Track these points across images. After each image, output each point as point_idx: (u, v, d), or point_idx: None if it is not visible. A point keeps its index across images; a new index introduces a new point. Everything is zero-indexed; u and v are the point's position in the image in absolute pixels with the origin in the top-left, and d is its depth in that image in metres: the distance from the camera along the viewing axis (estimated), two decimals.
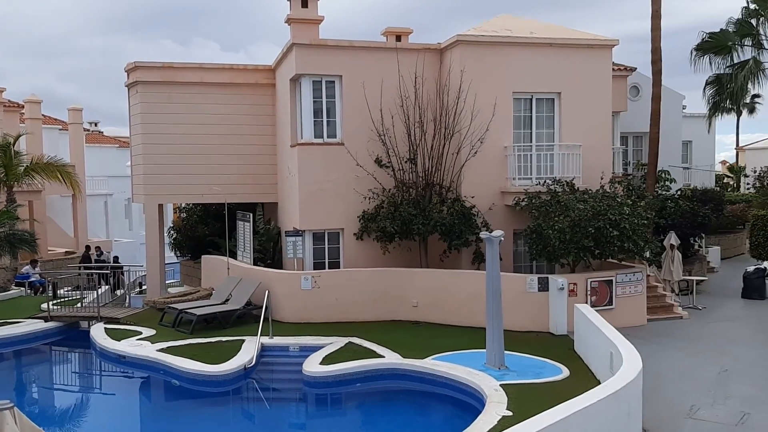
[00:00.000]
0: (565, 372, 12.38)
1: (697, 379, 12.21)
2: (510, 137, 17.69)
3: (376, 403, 12.84)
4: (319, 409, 13.15)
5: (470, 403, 11.37)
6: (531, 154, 17.50)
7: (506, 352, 12.86)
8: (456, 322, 16.13)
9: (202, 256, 21.59)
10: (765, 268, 20.36)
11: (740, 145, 56.68)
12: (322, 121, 17.93)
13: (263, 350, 14.60)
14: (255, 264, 18.87)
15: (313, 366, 13.03)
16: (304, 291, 16.77)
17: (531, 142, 17.81)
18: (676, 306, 17.65)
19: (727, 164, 55.67)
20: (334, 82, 17.87)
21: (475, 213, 17.13)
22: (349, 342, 14.70)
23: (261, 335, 14.88)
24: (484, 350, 12.99)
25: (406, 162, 17.61)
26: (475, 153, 17.12)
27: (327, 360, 13.38)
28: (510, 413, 9.93)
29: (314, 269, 17.77)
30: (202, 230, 23.77)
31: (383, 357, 13.53)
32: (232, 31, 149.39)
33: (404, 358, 13.37)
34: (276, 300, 16.61)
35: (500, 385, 11.43)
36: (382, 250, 17.63)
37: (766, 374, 12.50)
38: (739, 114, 56.98)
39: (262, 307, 15.67)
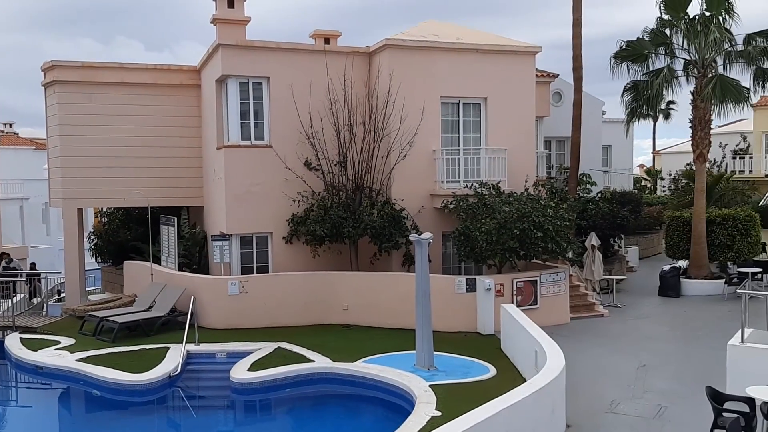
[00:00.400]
0: (493, 371, 12.62)
1: (617, 375, 12.67)
2: (438, 141, 17.92)
3: (306, 408, 12.74)
4: (247, 416, 12.94)
5: (400, 405, 11.42)
6: (459, 158, 17.79)
7: (435, 352, 13.00)
8: (386, 325, 16.20)
9: (125, 262, 20.88)
10: (680, 266, 21.33)
11: (657, 149, 59.34)
12: (250, 123, 17.67)
13: (189, 358, 14.24)
14: (180, 269, 18.40)
15: (240, 372, 12.81)
16: (231, 296, 16.47)
17: (459, 146, 18.10)
18: (598, 304, 18.28)
19: (645, 168, 58.14)
20: (261, 83, 17.65)
21: (404, 215, 17.26)
22: (279, 347, 14.53)
23: (186, 342, 14.51)
24: (414, 352, 13.10)
25: (335, 165, 17.57)
26: (405, 156, 17.25)
27: (255, 366, 13.17)
28: (439, 413, 10.04)
29: (242, 274, 17.49)
30: (125, 235, 22.98)
31: (313, 361, 13.44)
32: (157, 31, 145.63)
33: (334, 361, 13.33)
34: (202, 306, 16.25)
35: (429, 385, 11.55)
36: (312, 254, 17.52)
37: (681, 368, 13.09)
38: (655, 120, 59.67)
39: (187, 313, 15.29)
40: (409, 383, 11.73)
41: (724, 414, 8.61)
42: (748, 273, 19.06)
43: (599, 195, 24.24)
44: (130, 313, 16.50)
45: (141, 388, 12.54)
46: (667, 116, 59.97)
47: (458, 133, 18.26)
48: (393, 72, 17.26)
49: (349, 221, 16.86)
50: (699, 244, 20.84)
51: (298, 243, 17.66)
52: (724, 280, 20.22)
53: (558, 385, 9.57)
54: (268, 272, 17.69)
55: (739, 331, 10.87)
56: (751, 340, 10.77)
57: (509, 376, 12.05)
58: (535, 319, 13.14)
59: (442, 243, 18.07)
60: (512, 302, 15.86)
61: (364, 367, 12.91)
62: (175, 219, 19.01)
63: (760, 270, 20.34)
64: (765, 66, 20.12)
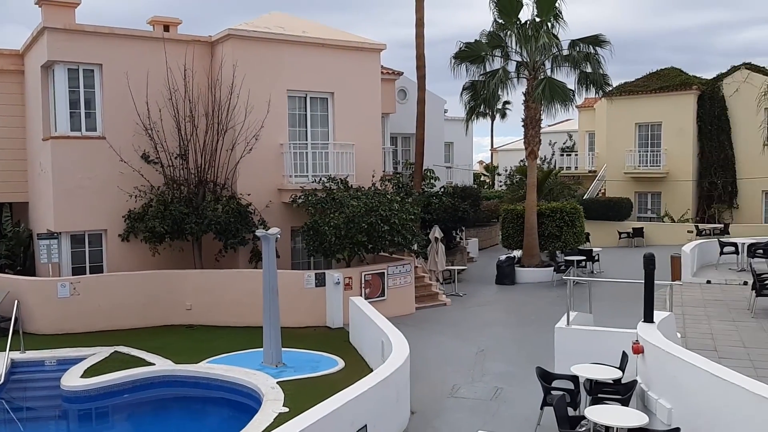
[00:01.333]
0: (341, 364, 12.72)
1: (459, 360, 13.23)
2: (286, 135, 17.72)
3: (147, 413, 12.08)
4: (81, 426, 12.03)
5: (248, 404, 11.18)
6: (307, 152, 17.70)
7: (284, 349, 12.89)
8: (233, 323, 15.78)
9: None
10: (514, 256, 22.72)
11: (494, 146, 62.86)
12: (80, 112, 16.43)
13: (14, 366, 12.99)
14: (2, 271, 16.76)
15: (72, 380, 11.90)
16: (61, 299, 15.24)
17: (306, 140, 18.01)
18: (441, 294, 19.01)
19: (484, 164, 61.31)
20: (93, 70, 16.47)
21: (251, 211, 16.90)
22: (115, 351, 13.67)
23: (10, 350, 13.23)
24: (261, 349, 12.88)
25: (176, 158, 16.81)
26: (250, 150, 16.87)
27: (89, 372, 12.29)
28: (286, 409, 9.96)
29: (73, 275, 16.25)
30: None
31: (153, 364, 12.78)
32: None
33: (177, 363, 12.76)
34: (28, 310, 14.92)
35: (277, 382, 11.43)
36: (151, 252, 16.65)
37: (516, 352, 13.92)
38: (493, 118, 63.20)
39: (10, 319, 13.95)
40: (256, 381, 11.52)
41: (552, 392, 9.25)
42: (573, 261, 20.69)
43: (442, 190, 25.23)
44: None
45: None
46: (503, 115, 63.68)
47: (306, 128, 18.18)
48: (237, 63, 16.82)
49: (191, 217, 16.22)
50: (531, 235, 22.31)
51: (136, 241, 16.71)
52: (553, 268, 21.80)
53: (402, 374, 9.81)
54: (102, 272, 16.58)
55: (565, 315, 11.80)
56: (575, 323, 11.69)
57: (357, 368, 12.19)
58: (383, 311, 13.40)
59: (291, 238, 17.92)
60: (361, 295, 16.07)
61: (208, 368, 12.49)
62: None
63: (584, 258, 22.16)
64: (587, 70, 21.89)
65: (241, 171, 17.09)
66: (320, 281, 15.99)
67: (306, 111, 18.16)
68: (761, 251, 19.36)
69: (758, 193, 31.43)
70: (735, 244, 20.92)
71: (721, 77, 32.54)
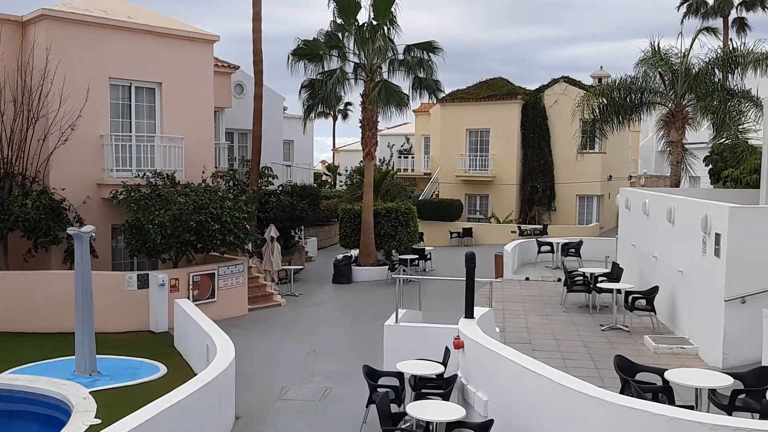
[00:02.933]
0: (163, 370, 12.04)
1: (289, 362, 13.02)
2: (107, 126, 16.51)
3: None
4: None
5: (56, 417, 10.21)
6: (131, 145, 16.62)
7: (100, 356, 12.00)
8: (43, 329, 14.38)
9: None
10: (351, 255, 22.92)
11: (336, 146, 63.37)
12: None
13: None
14: None
15: None
16: None
17: (131, 132, 16.90)
18: (276, 294, 18.69)
19: (326, 164, 61.55)
20: None
21: (66, 207, 15.55)
22: None
23: None
24: (74, 357, 11.86)
25: None
26: (65, 140, 15.50)
27: None
28: (99, 421, 9.22)
29: None
30: None
31: None
32: None
33: None
34: None
35: (90, 392, 10.57)
36: None
37: (347, 350, 13.97)
38: (335, 119, 63.80)
39: None
40: (66, 392, 10.55)
41: (378, 389, 9.33)
42: (406, 260, 21.23)
43: (280, 188, 24.85)
44: None
45: None
46: (345, 116, 64.39)
47: (130, 119, 17.05)
48: (51, 46, 15.39)
49: None
50: (367, 234, 22.62)
51: None
52: (388, 267, 22.25)
53: (227, 378, 9.42)
54: None
55: (395, 312, 12.01)
56: (404, 320, 11.94)
57: (181, 374, 11.55)
58: (213, 313, 12.90)
59: (111, 237, 16.74)
60: (188, 297, 15.33)
61: (11, 379, 11.27)
62: None
63: (417, 257, 22.84)
64: (421, 75, 22.56)
65: (54, 163, 15.66)
66: (143, 283, 15.05)
67: (131, 101, 17.04)
68: (573, 250, 21.04)
69: (573, 197, 34.27)
70: (551, 244, 22.56)
71: (542, 89, 35.08)
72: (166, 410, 7.69)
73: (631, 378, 8.15)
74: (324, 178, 50.31)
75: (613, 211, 34.57)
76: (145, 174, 16.15)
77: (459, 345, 9.66)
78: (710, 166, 24.17)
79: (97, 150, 16.31)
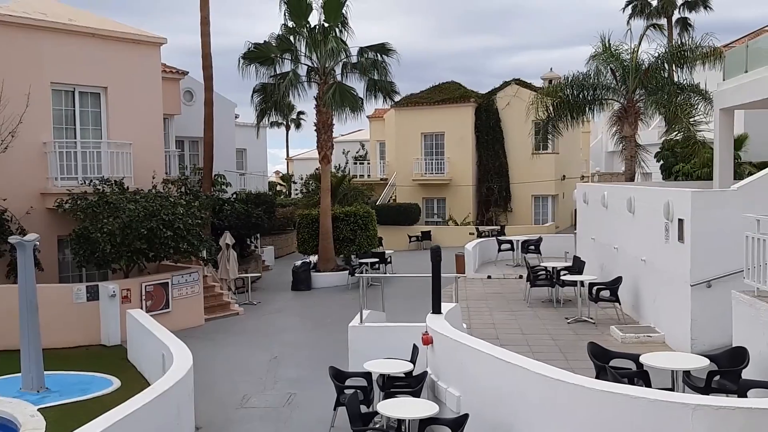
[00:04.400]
0: (117, 383, 11.44)
1: (250, 370, 12.53)
2: (50, 133, 15.75)
3: None
4: None
5: None
6: (76, 152, 15.88)
7: (50, 372, 11.38)
8: None
9: None
10: (310, 261, 22.45)
11: (290, 156, 62.77)
12: None
13: None
14: None
15: None
16: None
17: (75, 138, 16.17)
18: (233, 303, 18.10)
19: (281, 174, 60.89)
20: None
21: (8, 218, 14.75)
22: None
23: None
24: (20, 375, 11.14)
25: None
26: (5, 149, 14.69)
27: None
28: None
29: None
30: None
31: None
32: None
33: None
34: None
35: (38, 409, 9.96)
36: None
37: (309, 356, 13.54)
38: (287, 128, 63.23)
39: None
40: (11, 410, 9.88)
41: (346, 391, 8.96)
42: (367, 262, 20.88)
43: (235, 196, 24.25)
44: None
45: None
46: (298, 125, 63.97)
47: (75, 125, 16.31)
48: None
49: None
50: (326, 239, 22.20)
51: None
52: (348, 272, 21.84)
53: (185, 387, 8.91)
54: None
55: (359, 314, 11.66)
56: (368, 321, 11.59)
57: (135, 387, 10.91)
58: (167, 324, 12.26)
59: (58, 249, 15.95)
60: (141, 308, 14.64)
61: None
62: None
63: (377, 260, 22.51)
64: (376, 77, 22.29)
65: None
66: (93, 294, 14.34)
67: (75, 107, 16.30)
68: (532, 247, 21.03)
69: (528, 197, 34.51)
70: (511, 242, 22.55)
71: (495, 91, 35.30)
72: (119, 422, 7.17)
73: (605, 365, 7.98)
74: (279, 188, 49.68)
75: (568, 210, 35.00)
76: (92, 181, 15.44)
77: (428, 341, 9.37)
78: (661, 162, 24.54)
79: (40, 158, 15.53)
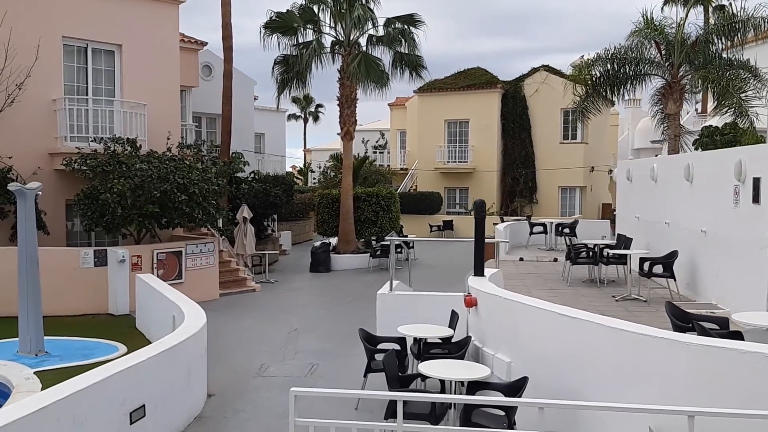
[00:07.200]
0: (123, 350, 10.42)
1: (268, 341, 11.52)
2: (60, 89, 14.83)
3: None
4: None
5: None
6: (87, 110, 14.93)
7: (52, 337, 10.47)
8: None
9: None
10: (329, 242, 21.40)
11: (307, 147, 61.86)
12: None
13: None
14: None
15: None
16: None
17: (87, 95, 15.22)
18: (249, 279, 17.09)
19: (297, 168, 59.96)
20: None
21: (13, 177, 13.80)
22: None
23: None
24: (18, 339, 10.20)
25: None
26: (12, 102, 13.77)
27: None
28: None
29: None
30: None
31: None
32: None
33: None
34: None
35: (35, 372, 8.99)
36: None
37: (330, 329, 12.54)
38: (306, 121, 62.32)
39: None
40: (5, 372, 8.92)
41: (376, 356, 7.92)
42: (389, 243, 19.72)
43: (253, 175, 23.26)
44: None
45: None
46: (316, 118, 62.97)
47: (87, 83, 15.37)
48: None
49: None
50: (347, 220, 21.14)
51: None
52: (369, 254, 20.76)
53: (197, 345, 7.89)
54: None
55: (388, 283, 10.66)
56: (397, 290, 10.58)
57: None
58: None
59: (66, 215, 15.02)
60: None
61: None
62: None
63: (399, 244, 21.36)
64: (403, 50, 21.20)
65: (0, 129, 13.91)
66: (101, 260, 13.37)
67: (87, 63, 15.36)
68: (567, 230, 19.83)
69: (555, 188, 33.22)
70: (544, 224, 21.38)
71: (522, 78, 34.05)
72: (118, 375, 6.19)
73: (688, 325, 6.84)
74: (295, 179, 48.74)
75: (596, 203, 33.68)
76: (102, 139, 14.47)
77: (472, 302, 8.28)
78: (700, 150, 23.24)
79: (50, 116, 14.61)
